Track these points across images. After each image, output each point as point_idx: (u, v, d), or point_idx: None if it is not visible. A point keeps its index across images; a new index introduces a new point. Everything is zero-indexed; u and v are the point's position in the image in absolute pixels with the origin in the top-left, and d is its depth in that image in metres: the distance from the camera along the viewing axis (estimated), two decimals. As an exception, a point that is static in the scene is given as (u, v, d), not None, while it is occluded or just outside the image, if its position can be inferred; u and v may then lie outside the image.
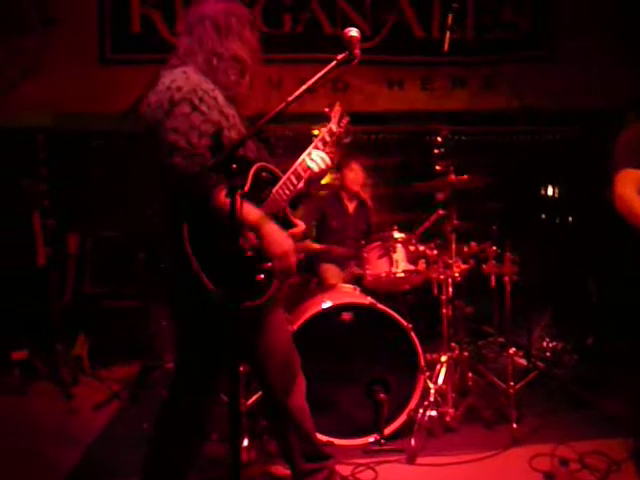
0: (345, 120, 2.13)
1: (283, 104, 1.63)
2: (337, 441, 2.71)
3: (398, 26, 4.66)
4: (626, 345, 3.08)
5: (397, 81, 4.74)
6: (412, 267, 3.11)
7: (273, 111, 1.64)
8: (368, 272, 3.17)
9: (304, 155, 2.00)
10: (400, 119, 4.75)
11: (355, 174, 3.88)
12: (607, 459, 2.49)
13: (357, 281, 3.30)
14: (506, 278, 3.21)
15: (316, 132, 3.87)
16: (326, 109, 2.12)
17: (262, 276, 1.84)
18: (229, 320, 1.57)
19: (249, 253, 1.81)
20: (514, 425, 2.82)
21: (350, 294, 3.07)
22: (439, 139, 4.12)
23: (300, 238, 2.03)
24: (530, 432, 2.84)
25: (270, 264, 1.84)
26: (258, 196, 1.90)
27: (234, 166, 1.47)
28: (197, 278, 1.73)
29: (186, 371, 2.00)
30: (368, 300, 2.89)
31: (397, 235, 3.15)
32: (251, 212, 1.78)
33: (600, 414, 2.97)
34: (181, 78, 1.80)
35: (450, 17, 3.53)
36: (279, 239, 1.81)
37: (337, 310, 2.82)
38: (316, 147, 2.03)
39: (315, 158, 2.00)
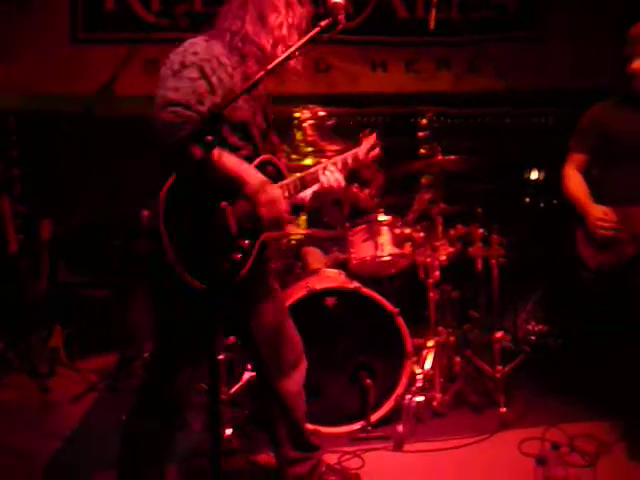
0: (375, 153, 2.03)
1: (261, 73, 1.53)
2: (323, 429, 2.64)
3: (381, 6, 4.54)
4: (611, 328, 3.05)
5: (380, 63, 4.63)
6: (398, 250, 3.03)
7: (248, 83, 1.55)
8: (353, 256, 3.08)
9: (319, 167, 1.92)
10: (384, 101, 4.65)
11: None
12: (597, 442, 2.46)
13: (342, 265, 3.22)
14: (493, 261, 3.16)
15: (297, 115, 3.76)
16: (362, 134, 2.04)
17: (239, 255, 1.76)
18: (206, 299, 1.50)
19: (231, 230, 1.74)
20: (502, 409, 2.78)
21: (334, 278, 2.98)
22: (424, 121, 4.03)
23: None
24: (518, 416, 2.81)
25: (247, 242, 1.76)
26: None
27: (210, 138, 1.37)
28: (170, 260, 1.66)
29: (163, 353, 1.92)
30: (353, 284, 2.81)
31: (382, 218, 3.07)
32: (230, 159, 1.71)
33: (587, 397, 2.94)
34: (201, 45, 1.75)
35: (436, -7, 3.44)
36: (266, 186, 1.74)
37: (321, 295, 2.74)
38: (335, 164, 1.94)
39: (329, 175, 1.90)
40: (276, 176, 1.87)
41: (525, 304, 4.08)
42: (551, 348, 3.75)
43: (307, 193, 1.95)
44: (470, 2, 4.58)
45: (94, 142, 4.13)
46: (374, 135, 2.06)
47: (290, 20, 1.85)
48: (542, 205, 4.99)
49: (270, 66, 1.54)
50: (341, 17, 1.64)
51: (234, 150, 1.78)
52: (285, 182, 1.86)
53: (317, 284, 2.78)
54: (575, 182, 2.51)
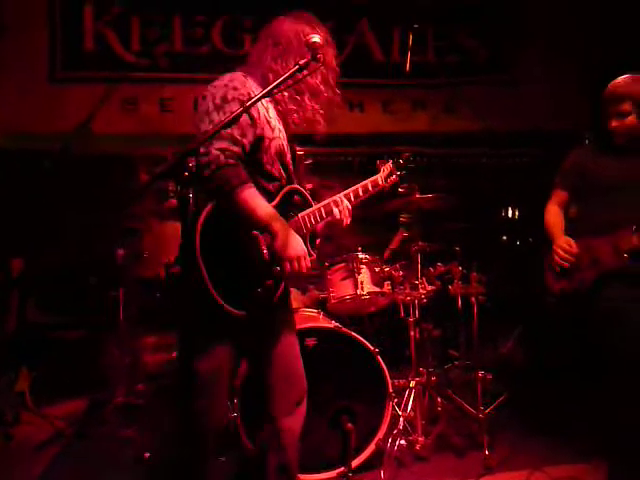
0: (393, 179, 2.18)
1: (239, 110, 1.53)
2: (302, 477, 2.53)
3: (358, 49, 4.66)
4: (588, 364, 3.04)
5: (357, 103, 4.72)
6: (377, 289, 3.00)
7: (230, 116, 1.55)
8: (332, 295, 3.04)
9: (331, 199, 2.00)
10: (362, 141, 4.71)
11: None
12: (582, 485, 2.41)
13: (321, 304, 3.17)
14: (472, 299, 3.15)
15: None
16: (378, 161, 2.18)
17: (271, 282, 1.78)
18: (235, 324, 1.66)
19: (263, 257, 1.77)
20: (486, 452, 2.72)
21: (313, 318, 2.93)
22: (401, 161, 4.08)
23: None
24: (503, 459, 2.75)
25: (278, 269, 1.77)
26: (282, 216, 1.85)
27: (185, 174, 1.36)
28: (205, 288, 1.69)
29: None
30: (332, 324, 2.77)
31: (361, 256, 3.05)
32: (261, 206, 1.73)
33: (570, 437, 2.90)
34: (240, 79, 1.81)
35: (411, 37, 3.54)
36: (292, 241, 1.77)
37: (300, 335, 2.67)
38: (355, 192, 2.04)
39: (342, 209, 1.99)
40: (303, 205, 1.96)
41: (506, 342, 4.06)
42: (532, 386, 3.71)
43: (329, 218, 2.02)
44: (444, 46, 4.73)
45: (71, 180, 4.08)
46: (390, 162, 2.20)
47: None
48: (518, 243, 5.05)
49: (248, 104, 1.55)
50: (320, 56, 1.66)
51: (271, 179, 1.86)
52: (312, 210, 1.95)
53: (296, 324, 2.72)
54: (552, 215, 2.64)
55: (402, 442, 2.73)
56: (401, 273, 3.08)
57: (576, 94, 4.59)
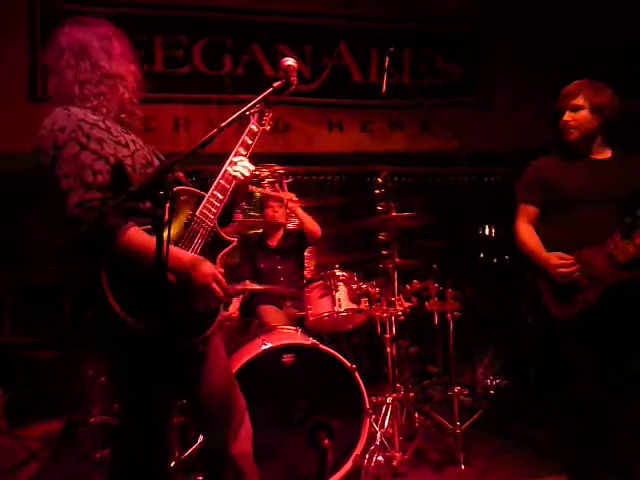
0: (268, 115, 1.95)
1: (215, 130, 1.56)
2: (279, 494, 2.53)
3: (337, 70, 4.76)
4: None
5: (337, 123, 4.80)
6: (355, 306, 3.04)
7: (206, 136, 1.58)
8: (310, 312, 3.07)
9: (226, 165, 1.87)
10: (341, 160, 4.78)
11: (273, 211, 3.74)
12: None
13: (299, 322, 3.19)
14: (448, 315, 3.20)
15: (256, 173, 3.84)
16: (248, 112, 1.88)
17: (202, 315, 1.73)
18: (161, 357, 1.51)
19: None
20: (462, 467, 2.75)
21: (291, 335, 2.94)
22: (379, 180, 4.16)
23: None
24: (479, 473, 2.78)
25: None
26: (181, 222, 1.76)
27: (161, 192, 1.37)
28: (115, 315, 1.59)
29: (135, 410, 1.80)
30: (310, 341, 2.78)
31: (339, 273, 3.09)
32: (150, 248, 1.51)
33: (543, 452, 2.94)
34: (62, 117, 1.66)
35: (387, 60, 3.62)
36: (199, 269, 1.68)
37: (278, 352, 2.70)
38: (237, 154, 1.90)
39: (238, 167, 1.88)
40: (192, 199, 1.82)
41: (482, 358, 4.10)
42: (508, 401, 3.75)
43: (227, 195, 1.88)
44: (420, 69, 4.86)
45: (47, 201, 4.05)
46: (258, 106, 1.91)
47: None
48: (495, 261, 5.14)
49: (223, 124, 1.58)
50: (293, 79, 1.70)
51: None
52: (206, 200, 1.82)
53: (273, 341, 2.74)
54: (528, 235, 2.50)
55: (380, 458, 2.74)
56: (378, 290, 3.12)
57: (546, 114, 4.73)
